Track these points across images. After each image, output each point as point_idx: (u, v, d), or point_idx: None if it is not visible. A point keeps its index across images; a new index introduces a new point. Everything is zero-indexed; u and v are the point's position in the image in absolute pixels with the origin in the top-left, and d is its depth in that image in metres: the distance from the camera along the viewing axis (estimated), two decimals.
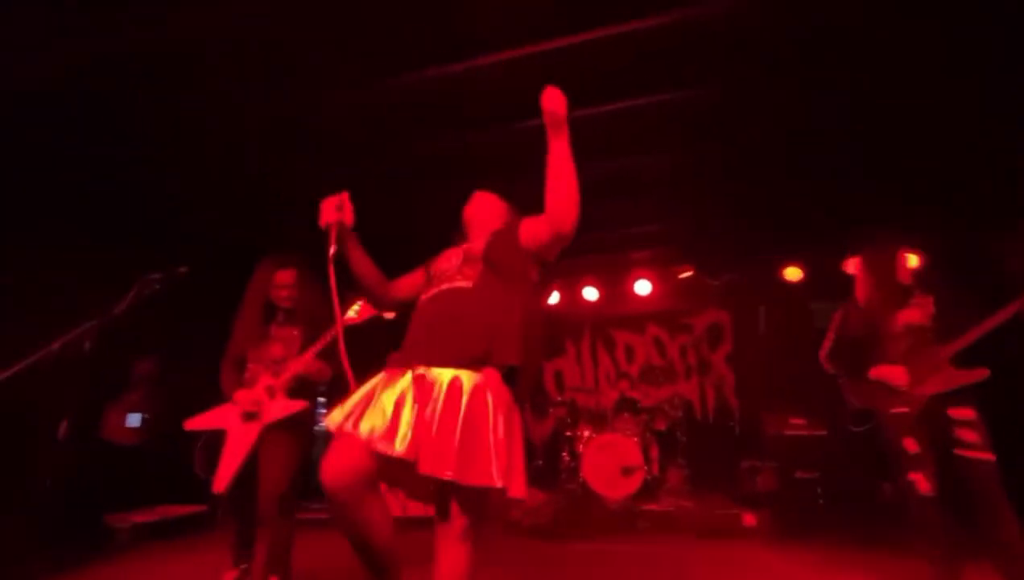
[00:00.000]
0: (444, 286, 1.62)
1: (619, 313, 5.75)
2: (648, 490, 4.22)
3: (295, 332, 2.40)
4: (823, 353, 2.54)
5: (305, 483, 2.44)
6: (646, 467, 4.21)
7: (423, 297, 1.66)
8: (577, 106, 3.22)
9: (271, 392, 2.28)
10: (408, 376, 1.43)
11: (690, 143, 3.66)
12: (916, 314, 2.31)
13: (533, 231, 1.64)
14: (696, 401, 5.51)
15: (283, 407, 2.25)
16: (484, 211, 1.85)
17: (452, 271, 1.65)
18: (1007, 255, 3.29)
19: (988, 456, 2.08)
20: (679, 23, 2.62)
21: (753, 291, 5.49)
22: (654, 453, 4.48)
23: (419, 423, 1.35)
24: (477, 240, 1.76)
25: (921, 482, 2.12)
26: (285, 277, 2.44)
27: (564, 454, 4.85)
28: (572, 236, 1.56)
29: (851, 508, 4.17)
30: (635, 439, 4.29)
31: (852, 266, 2.66)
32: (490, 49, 2.75)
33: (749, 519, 3.75)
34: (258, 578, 2.24)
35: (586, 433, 4.59)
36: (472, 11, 2.54)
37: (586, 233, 5.03)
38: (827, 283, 4.96)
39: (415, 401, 1.38)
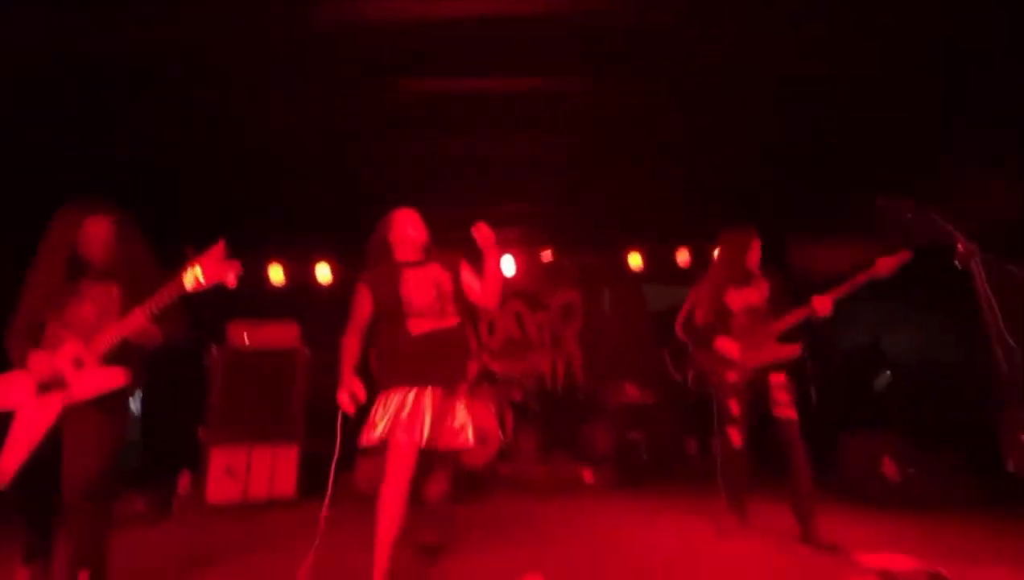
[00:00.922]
0: (436, 325, 2.16)
1: None
2: (503, 455, 4.46)
3: (112, 290, 2.02)
4: (678, 324, 2.85)
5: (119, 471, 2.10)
6: (501, 434, 4.45)
7: (415, 330, 2.14)
8: (455, 76, 3.25)
9: (79, 362, 1.90)
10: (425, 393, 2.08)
11: (560, 129, 3.86)
12: (754, 296, 2.74)
13: (471, 291, 2.28)
14: (548, 373, 5.94)
15: (97, 380, 1.89)
16: (420, 233, 2.31)
17: (435, 307, 2.17)
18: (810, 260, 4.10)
19: (793, 414, 2.56)
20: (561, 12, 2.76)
21: (600, 274, 6.07)
22: (509, 421, 4.75)
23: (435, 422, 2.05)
24: (416, 258, 2.27)
25: (735, 436, 2.55)
26: (98, 227, 2.03)
27: None
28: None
29: (667, 462, 4.93)
30: (492, 408, 4.49)
31: (683, 256, 3.04)
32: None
33: (588, 476, 4.21)
34: (63, 575, 1.88)
35: None
36: None
37: (457, 208, 5.03)
38: (661, 270, 5.72)
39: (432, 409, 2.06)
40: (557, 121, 3.73)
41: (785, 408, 2.57)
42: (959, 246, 1.85)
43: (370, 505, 3.70)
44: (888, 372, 4.94)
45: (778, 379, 2.62)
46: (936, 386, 4.42)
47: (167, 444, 4.70)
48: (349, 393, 2.08)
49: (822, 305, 2.57)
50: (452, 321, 2.19)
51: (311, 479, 3.98)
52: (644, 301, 6.31)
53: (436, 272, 2.24)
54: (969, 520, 2.85)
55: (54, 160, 3.46)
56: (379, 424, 2.04)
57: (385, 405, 2.07)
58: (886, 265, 2.50)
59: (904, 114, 3.44)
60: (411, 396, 2.05)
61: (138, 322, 1.93)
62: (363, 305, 2.24)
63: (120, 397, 1.98)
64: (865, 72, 3.14)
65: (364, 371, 2.17)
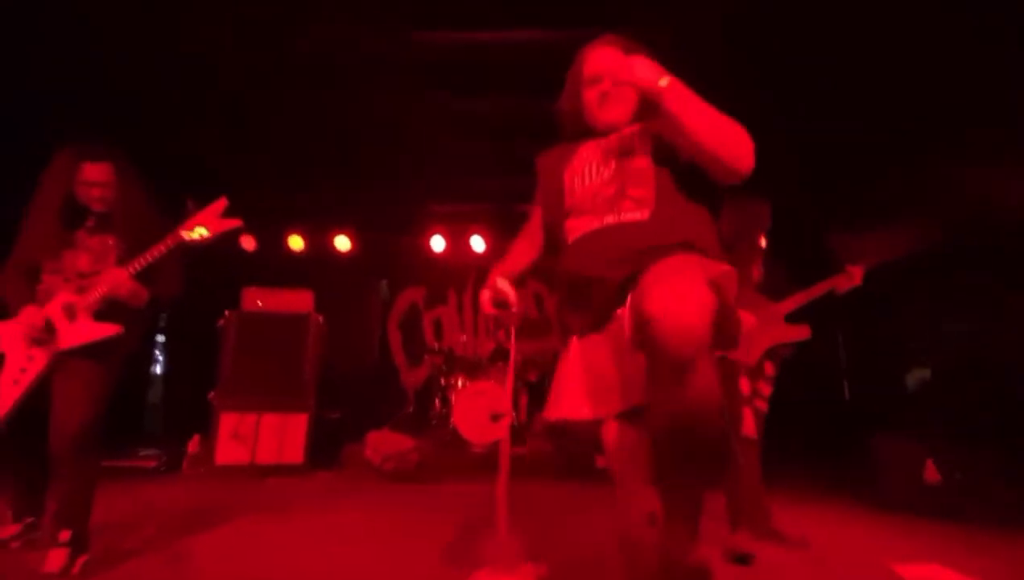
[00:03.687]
0: (600, 223, 1.28)
1: None
2: (515, 435, 4.35)
3: (109, 240, 1.95)
4: None
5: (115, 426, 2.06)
6: (514, 414, 4.33)
7: (571, 236, 1.35)
8: (494, 28, 3.01)
9: (71, 312, 1.83)
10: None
11: None
12: (756, 272, 2.49)
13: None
14: None
15: (86, 331, 1.83)
16: (616, 71, 1.31)
17: (603, 196, 1.29)
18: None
19: (766, 407, 2.38)
20: None
21: None
22: (523, 401, 4.62)
23: None
24: (611, 122, 1.39)
25: (749, 421, 2.29)
26: (97, 172, 1.94)
27: (436, 401, 4.81)
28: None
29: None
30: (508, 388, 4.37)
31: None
32: None
33: (600, 461, 4.06)
34: (47, 533, 1.85)
35: (460, 381, 4.58)
36: None
37: (478, 180, 4.85)
38: None
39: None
40: None
41: (764, 401, 2.38)
42: None
43: (378, 478, 3.68)
44: (928, 371, 4.60)
45: (770, 369, 2.41)
46: (984, 384, 4.09)
47: (184, 406, 4.76)
48: (492, 294, 1.51)
49: (857, 273, 2.38)
50: (633, 214, 1.25)
51: (320, 447, 3.97)
52: None
53: (625, 141, 1.34)
54: (1017, 533, 2.58)
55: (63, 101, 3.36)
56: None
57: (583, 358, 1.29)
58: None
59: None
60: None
61: (119, 280, 1.86)
62: (536, 197, 1.53)
63: (110, 348, 1.90)
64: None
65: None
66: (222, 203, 1.96)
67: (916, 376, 4.77)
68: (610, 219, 1.27)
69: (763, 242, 2.52)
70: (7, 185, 2.12)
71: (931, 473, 3.09)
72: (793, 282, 2.48)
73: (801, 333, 2.40)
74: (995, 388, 4.00)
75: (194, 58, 3.28)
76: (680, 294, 0.94)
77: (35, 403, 1.81)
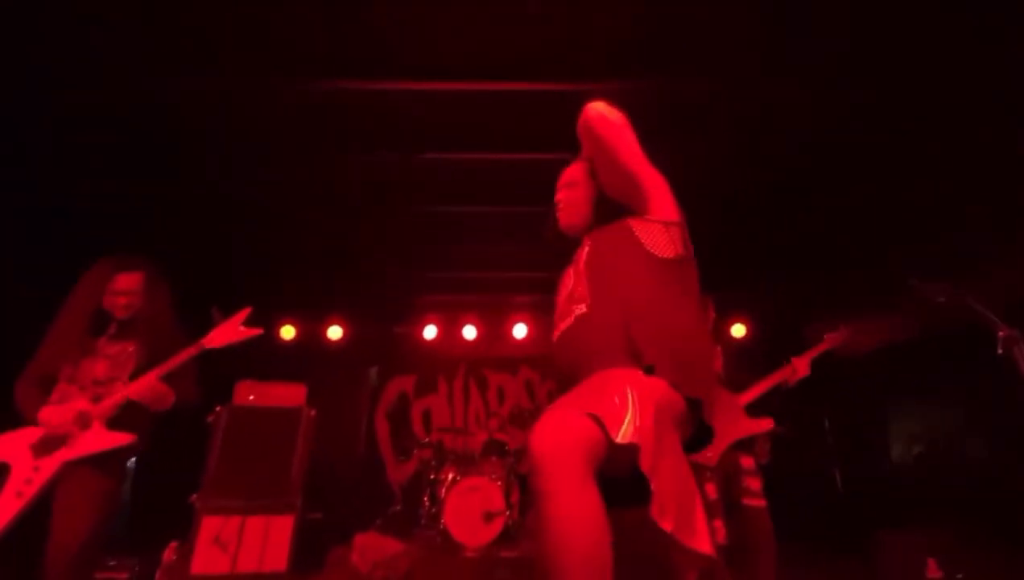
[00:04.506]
0: (565, 322, 1.48)
1: (495, 354, 5.82)
2: (508, 535, 4.19)
3: (130, 347, 2.01)
4: None
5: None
6: (508, 512, 4.20)
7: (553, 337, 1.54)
8: (475, 150, 3.37)
9: (84, 421, 1.85)
10: None
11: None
12: (716, 362, 2.48)
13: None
14: None
15: (99, 439, 1.83)
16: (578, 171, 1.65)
17: (567, 298, 1.50)
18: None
19: (763, 502, 2.31)
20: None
21: None
22: (515, 497, 4.49)
23: None
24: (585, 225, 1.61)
25: (720, 530, 2.18)
26: (128, 281, 2.05)
27: (425, 498, 4.65)
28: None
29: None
30: (499, 483, 4.27)
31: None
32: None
33: None
34: None
35: (450, 476, 4.47)
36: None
37: (470, 272, 5.03)
38: None
39: None
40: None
41: (757, 497, 2.33)
42: (1000, 332, 1.77)
43: None
44: (917, 450, 4.68)
45: (749, 463, 2.37)
46: (973, 464, 4.16)
47: (160, 509, 4.50)
48: None
49: (801, 365, 2.44)
50: (579, 310, 1.43)
51: (304, 552, 3.75)
52: None
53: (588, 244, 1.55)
54: None
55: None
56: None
57: None
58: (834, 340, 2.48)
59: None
60: None
61: (148, 384, 1.91)
62: None
63: (118, 458, 1.91)
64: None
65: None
66: (245, 312, 2.07)
67: (904, 453, 4.83)
68: (567, 321, 1.47)
69: (733, 333, 2.61)
70: (40, 295, 2.19)
71: (933, 571, 3.08)
72: (754, 373, 2.51)
73: (763, 425, 2.37)
74: (984, 468, 4.08)
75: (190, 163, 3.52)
76: (548, 433, 1.10)
77: (26, 516, 1.77)
